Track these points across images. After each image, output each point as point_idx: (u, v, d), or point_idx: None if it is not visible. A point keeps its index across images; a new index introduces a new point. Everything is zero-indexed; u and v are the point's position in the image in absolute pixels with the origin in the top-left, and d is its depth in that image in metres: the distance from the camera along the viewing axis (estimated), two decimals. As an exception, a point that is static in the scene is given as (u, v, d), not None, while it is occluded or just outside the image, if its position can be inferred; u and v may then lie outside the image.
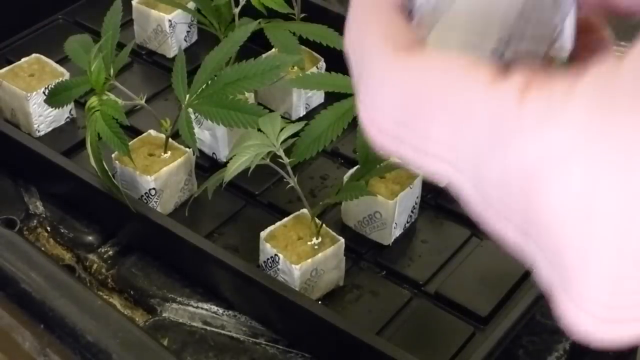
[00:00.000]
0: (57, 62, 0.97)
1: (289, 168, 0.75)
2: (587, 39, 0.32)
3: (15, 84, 0.94)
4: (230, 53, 0.84)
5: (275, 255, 0.77)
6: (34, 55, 0.97)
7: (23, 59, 0.97)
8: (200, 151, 0.89)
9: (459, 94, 0.26)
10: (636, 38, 0.26)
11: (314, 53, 0.97)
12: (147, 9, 1.02)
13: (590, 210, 0.24)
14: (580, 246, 0.25)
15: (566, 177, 0.24)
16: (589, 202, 0.24)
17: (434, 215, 0.86)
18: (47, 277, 0.74)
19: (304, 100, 0.97)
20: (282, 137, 0.73)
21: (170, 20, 1.01)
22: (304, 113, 0.98)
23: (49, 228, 0.88)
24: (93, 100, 0.81)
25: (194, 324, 0.80)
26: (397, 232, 0.84)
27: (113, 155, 0.85)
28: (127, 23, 1.03)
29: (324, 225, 0.79)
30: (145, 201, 0.85)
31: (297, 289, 0.76)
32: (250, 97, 0.92)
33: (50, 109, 0.94)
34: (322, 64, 0.96)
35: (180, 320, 0.80)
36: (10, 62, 0.99)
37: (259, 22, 0.90)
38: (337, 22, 0.92)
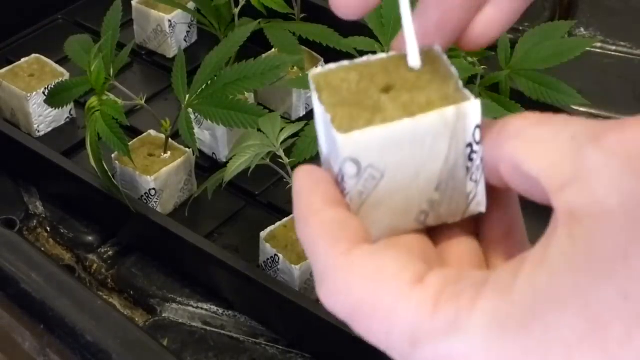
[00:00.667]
0: (57, 62, 0.97)
1: (289, 168, 0.75)
2: (496, 197, 0.36)
3: (15, 84, 0.94)
4: (230, 53, 0.84)
5: (275, 255, 0.77)
6: (33, 55, 0.97)
7: (23, 59, 0.97)
8: (200, 151, 0.89)
9: (386, 300, 0.31)
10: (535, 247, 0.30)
11: (314, 53, 0.97)
12: (147, 9, 1.02)
13: None
14: None
15: None
16: None
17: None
18: (47, 277, 0.74)
19: (304, 100, 0.97)
20: (282, 137, 0.73)
21: (170, 21, 1.01)
22: (304, 113, 0.98)
23: (48, 228, 0.88)
24: (93, 101, 0.81)
25: (194, 324, 0.80)
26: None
27: (113, 156, 0.85)
28: (127, 23, 1.03)
29: (324, 225, 0.79)
30: (145, 201, 0.85)
31: (297, 289, 0.76)
32: (250, 97, 0.92)
33: (50, 109, 0.94)
34: (322, 64, 0.96)
35: (180, 320, 0.80)
36: (10, 62, 0.99)
37: (259, 22, 0.90)
38: (337, 22, 0.92)
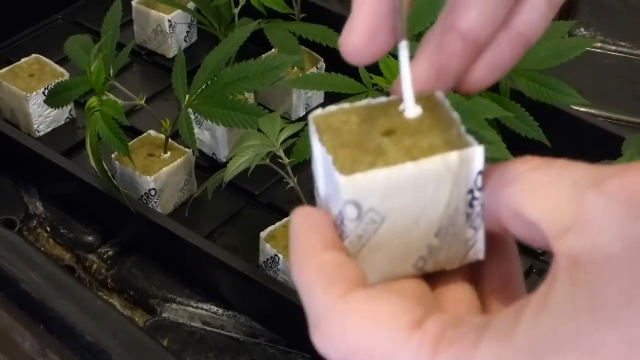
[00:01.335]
0: (57, 62, 0.97)
1: (289, 168, 0.75)
2: (495, 244, 0.36)
3: (15, 84, 0.94)
4: (230, 53, 0.84)
5: (275, 255, 0.77)
6: (33, 55, 0.97)
7: (23, 59, 0.97)
8: (200, 151, 0.89)
9: (384, 344, 0.31)
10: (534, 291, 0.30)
11: (313, 53, 0.97)
12: (147, 9, 1.02)
13: None
14: None
15: None
16: None
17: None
18: (47, 278, 0.74)
19: (303, 100, 0.97)
20: (282, 137, 0.73)
21: (170, 21, 1.01)
22: (304, 113, 0.98)
23: (48, 228, 0.88)
24: (93, 101, 0.81)
25: (194, 324, 0.80)
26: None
27: (113, 156, 0.85)
28: (127, 23, 1.03)
29: (323, 225, 0.79)
30: (145, 201, 0.85)
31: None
32: (250, 97, 0.92)
33: (50, 109, 0.94)
34: (322, 64, 0.96)
35: (180, 321, 0.80)
36: (10, 62, 0.99)
37: (259, 22, 0.90)
38: (337, 22, 0.92)
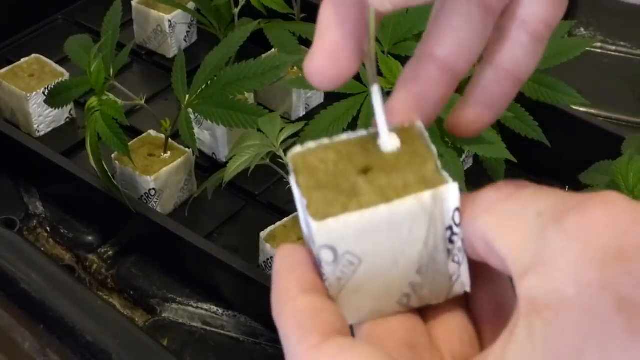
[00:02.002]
0: (57, 62, 0.97)
1: (289, 168, 0.75)
2: (481, 272, 0.35)
3: (15, 84, 0.94)
4: (230, 53, 0.84)
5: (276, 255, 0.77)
6: (33, 55, 0.97)
7: (23, 59, 0.97)
8: (200, 151, 0.89)
9: None
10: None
11: (313, 53, 0.96)
12: (147, 9, 1.02)
13: None
14: None
15: None
16: None
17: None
18: (47, 277, 0.74)
19: (303, 100, 0.97)
20: (282, 137, 0.73)
21: (170, 21, 1.01)
22: (304, 113, 0.98)
23: (48, 228, 0.88)
24: (93, 101, 0.81)
25: (194, 324, 0.80)
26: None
27: (113, 156, 0.85)
28: (127, 23, 1.03)
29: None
30: (145, 201, 0.85)
31: (297, 289, 0.76)
32: (250, 97, 0.92)
33: (50, 109, 0.94)
34: (322, 64, 0.96)
35: (180, 321, 0.80)
36: (10, 62, 0.99)
37: (259, 22, 0.90)
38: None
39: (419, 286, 0.34)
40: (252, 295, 0.78)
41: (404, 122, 0.36)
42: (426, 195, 0.33)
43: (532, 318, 0.28)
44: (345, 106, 0.79)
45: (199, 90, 0.81)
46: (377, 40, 0.83)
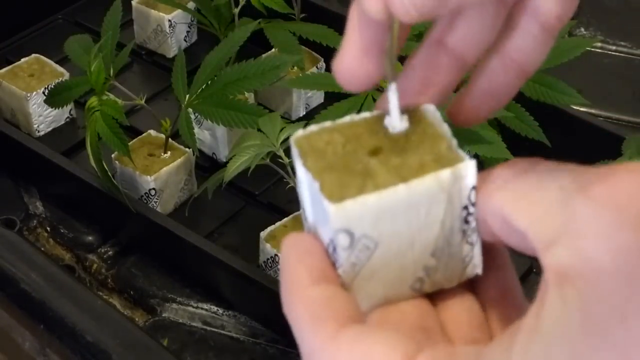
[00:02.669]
0: (57, 62, 0.97)
1: (289, 168, 0.75)
2: (488, 257, 0.35)
3: (15, 84, 0.94)
4: (230, 53, 0.84)
5: (275, 255, 0.77)
6: (33, 55, 0.97)
7: (23, 59, 0.97)
8: (200, 151, 0.89)
9: None
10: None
11: (313, 53, 0.97)
12: (147, 9, 1.02)
13: None
14: None
15: None
16: None
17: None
18: (47, 277, 0.74)
19: (304, 100, 0.97)
20: (282, 137, 0.73)
21: (170, 20, 1.01)
22: (304, 113, 0.98)
23: (48, 228, 0.88)
24: (93, 100, 0.81)
25: (194, 324, 0.80)
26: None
27: (113, 156, 0.85)
28: (127, 23, 1.03)
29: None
30: (145, 201, 0.85)
31: (297, 289, 0.76)
32: (250, 97, 0.92)
33: (50, 109, 0.94)
34: (322, 64, 0.96)
35: (180, 320, 0.80)
36: (10, 62, 0.99)
37: (259, 22, 0.90)
38: (337, 22, 0.92)
39: (433, 270, 0.34)
40: (252, 295, 0.78)
41: (410, 104, 0.35)
42: (445, 173, 0.32)
43: (565, 288, 0.28)
44: (346, 106, 0.79)
45: (199, 90, 0.81)
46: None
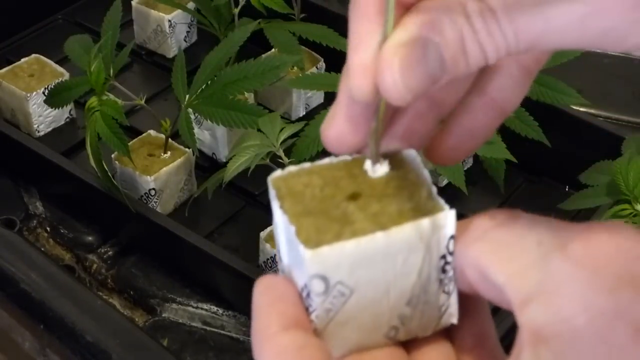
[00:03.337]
0: (57, 62, 0.97)
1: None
2: (465, 304, 0.34)
3: (15, 84, 0.94)
4: (230, 53, 0.84)
5: (275, 255, 0.77)
6: (33, 55, 0.97)
7: (23, 59, 0.97)
8: (200, 151, 0.89)
9: None
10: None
11: (313, 53, 0.97)
12: (147, 9, 1.02)
13: None
14: None
15: None
16: None
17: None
18: (47, 277, 0.74)
19: (303, 100, 0.97)
20: (282, 137, 0.73)
21: (170, 21, 1.01)
22: (304, 113, 0.98)
23: (48, 228, 0.88)
24: (93, 101, 0.81)
25: (194, 324, 0.80)
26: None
27: (113, 156, 0.85)
28: (127, 23, 1.03)
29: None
30: (145, 201, 0.85)
31: (297, 289, 0.76)
32: (250, 97, 0.92)
33: (50, 109, 0.94)
34: (322, 64, 0.96)
35: (180, 321, 0.80)
36: (10, 62, 0.99)
37: (259, 22, 0.90)
38: (337, 22, 0.92)
39: (408, 318, 0.33)
40: (252, 295, 0.78)
41: (391, 149, 0.35)
42: (424, 222, 0.32)
43: (539, 349, 0.28)
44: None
45: (199, 90, 0.81)
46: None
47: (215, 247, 0.79)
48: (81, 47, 0.87)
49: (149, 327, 0.79)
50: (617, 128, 0.91)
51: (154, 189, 0.85)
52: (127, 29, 1.04)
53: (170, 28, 1.02)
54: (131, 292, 0.83)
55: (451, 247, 0.32)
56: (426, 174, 0.34)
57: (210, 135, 0.91)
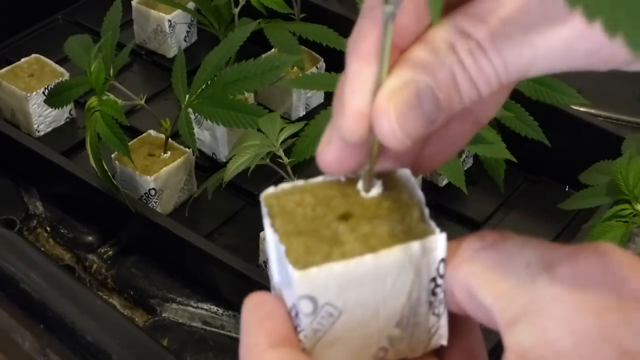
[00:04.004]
0: (57, 62, 0.97)
1: (289, 168, 0.75)
2: (455, 324, 0.34)
3: (15, 84, 0.94)
4: (230, 53, 0.84)
5: (275, 255, 0.77)
6: (33, 55, 0.97)
7: (23, 59, 0.97)
8: (200, 151, 0.89)
9: None
10: None
11: (313, 53, 0.97)
12: (147, 9, 1.02)
13: None
14: None
15: None
16: None
17: (434, 215, 0.86)
18: (47, 277, 0.74)
19: (303, 100, 0.97)
20: (282, 137, 0.73)
21: (170, 21, 1.01)
22: (304, 113, 0.98)
23: (48, 228, 0.88)
24: (93, 101, 0.81)
25: (194, 324, 0.80)
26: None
27: (113, 156, 0.85)
28: (127, 23, 1.03)
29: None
30: (145, 201, 0.85)
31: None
32: (250, 97, 0.92)
33: (50, 109, 0.94)
34: (322, 64, 0.96)
35: (180, 320, 0.80)
36: (10, 62, 0.99)
37: (259, 22, 0.90)
38: (337, 22, 0.92)
39: (397, 339, 0.33)
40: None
41: (385, 168, 0.35)
42: (415, 245, 0.32)
43: None
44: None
45: (199, 90, 0.81)
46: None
47: (215, 247, 0.79)
48: (81, 47, 0.87)
49: (149, 327, 0.79)
50: (617, 128, 0.91)
51: (154, 189, 0.85)
52: (127, 29, 1.04)
53: (170, 28, 1.02)
54: (131, 292, 0.83)
55: (442, 270, 0.32)
56: (420, 194, 0.34)
57: (210, 135, 0.91)
